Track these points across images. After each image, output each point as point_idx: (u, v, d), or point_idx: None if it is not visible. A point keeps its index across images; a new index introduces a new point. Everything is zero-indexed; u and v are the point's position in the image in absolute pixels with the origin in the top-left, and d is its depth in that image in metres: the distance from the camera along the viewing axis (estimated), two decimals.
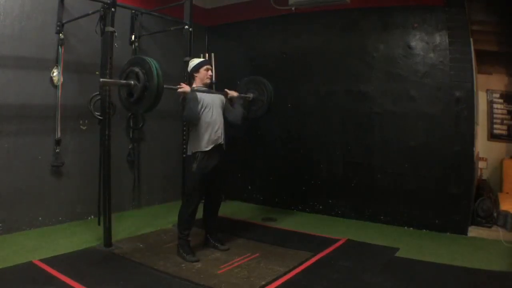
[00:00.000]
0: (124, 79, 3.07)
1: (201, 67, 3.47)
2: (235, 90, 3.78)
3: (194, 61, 3.54)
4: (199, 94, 3.33)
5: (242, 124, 3.65)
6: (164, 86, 2.99)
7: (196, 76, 3.48)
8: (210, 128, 3.36)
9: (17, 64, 3.88)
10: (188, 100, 3.22)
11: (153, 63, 2.95)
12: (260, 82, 4.09)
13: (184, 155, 3.51)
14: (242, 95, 3.88)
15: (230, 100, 3.69)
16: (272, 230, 4.41)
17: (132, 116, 4.99)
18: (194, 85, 3.47)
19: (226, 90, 3.70)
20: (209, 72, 3.48)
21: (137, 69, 3.00)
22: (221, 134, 3.45)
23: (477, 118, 5.09)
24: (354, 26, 4.95)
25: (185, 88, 3.27)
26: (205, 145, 3.34)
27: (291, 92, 5.39)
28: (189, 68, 3.54)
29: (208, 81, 3.49)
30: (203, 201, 3.64)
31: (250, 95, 4.00)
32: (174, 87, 3.29)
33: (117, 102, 4.56)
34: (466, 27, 4.30)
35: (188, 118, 3.32)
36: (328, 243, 3.90)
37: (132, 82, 3.01)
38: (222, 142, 3.46)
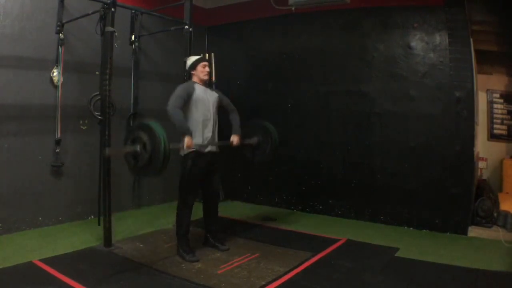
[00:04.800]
0: (131, 142, 2.93)
1: (198, 64, 3.48)
2: (239, 136, 3.63)
3: (191, 59, 3.56)
4: (197, 94, 3.37)
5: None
6: (170, 147, 2.84)
7: (194, 73, 3.50)
8: (202, 126, 3.36)
9: (17, 64, 3.88)
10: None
11: (162, 136, 2.79)
12: (265, 128, 3.90)
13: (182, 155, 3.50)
14: (247, 140, 3.77)
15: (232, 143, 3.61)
16: (272, 230, 4.41)
17: (132, 116, 4.98)
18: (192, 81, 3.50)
19: (232, 138, 3.59)
20: (206, 69, 3.50)
21: (144, 138, 2.84)
22: (215, 135, 3.47)
23: (477, 118, 5.09)
24: (354, 26, 4.95)
25: (188, 144, 3.13)
26: (198, 144, 3.33)
27: (291, 92, 5.39)
28: (187, 66, 3.57)
29: (205, 77, 3.51)
30: (203, 201, 3.66)
31: (255, 140, 3.84)
32: (178, 147, 3.15)
33: (117, 102, 4.60)
34: (466, 27, 4.30)
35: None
36: (328, 243, 3.90)
37: (138, 149, 2.85)
38: (215, 150, 3.45)
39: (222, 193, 3.90)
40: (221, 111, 3.64)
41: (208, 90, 3.54)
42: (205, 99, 3.44)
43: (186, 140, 3.11)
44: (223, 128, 3.69)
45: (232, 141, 3.60)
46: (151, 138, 2.82)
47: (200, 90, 3.43)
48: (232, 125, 3.67)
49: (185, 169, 3.36)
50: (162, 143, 2.76)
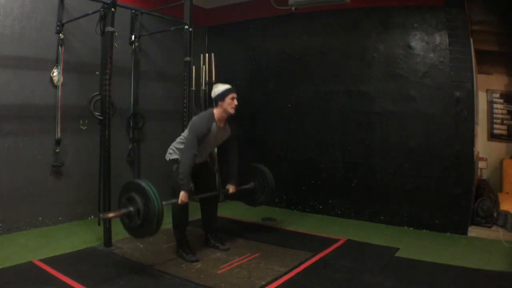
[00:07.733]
0: (125, 201, 2.98)
1: (227, 96, 3.24)
2: (235, 185, 3.73)
3: (219, 88, 3.30)
4: (211, 134, 3.28)
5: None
6: (164, 205, 2.92)
7: (221, 104, 3.25)
8: (199, 156, 3.31)
9: (17, 64, 3.88)
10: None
11: (155, 198, 2.84)
12: (263, 173, 4.02)
13: (167, 159, 3.48)
14: (243, 186, 3.92)
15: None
16: (272, 230, 4.41)
17: (132, 116, 4.99)
18: (214, 111, 3.30)
19: (228, 186, 3.69)
20: (235, 101, 3.26)
21: (137, 198, 2.89)
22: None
23: (477, 118, 5.09)
24: (354, 26, 4.94)
25: (182, 199, 3.19)
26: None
27: (291, 92, 5.39)
28: (213, 94, 3.31)
29: (232, 111, 3.26)
30: (200, 202, 3.65)
31: (251, 185, 3.99)
32: (171, 203, 3.23)
33: (117, 102, 4.61)
34: (466, 27, 4.30)
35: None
36: (328, 243, 3.90)
37: (132, 209, 2.90)
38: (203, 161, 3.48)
39: (222, 195, 3.89)
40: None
41: (225, 128, 3.39)
42: (217, 138, 3.37)
43: (181, 194, 3.15)
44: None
45: (228, 190, 3.67)
46: (145, 202, 2.86)
47: (215, 130, 3.28)
48: (229, 168, 3.69)
49: (172, 172, 3.35)
50: (156, 206, 2.81)
